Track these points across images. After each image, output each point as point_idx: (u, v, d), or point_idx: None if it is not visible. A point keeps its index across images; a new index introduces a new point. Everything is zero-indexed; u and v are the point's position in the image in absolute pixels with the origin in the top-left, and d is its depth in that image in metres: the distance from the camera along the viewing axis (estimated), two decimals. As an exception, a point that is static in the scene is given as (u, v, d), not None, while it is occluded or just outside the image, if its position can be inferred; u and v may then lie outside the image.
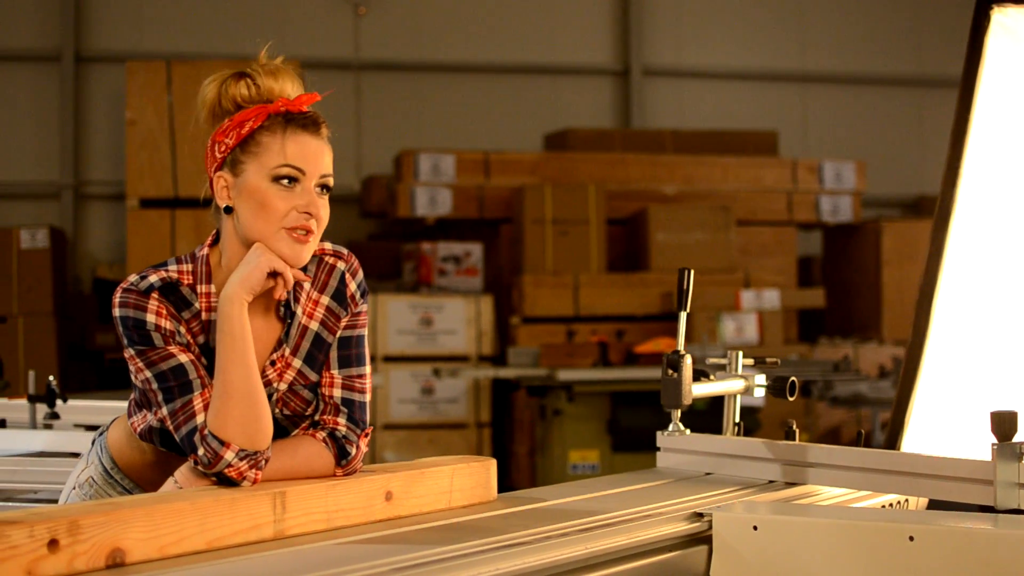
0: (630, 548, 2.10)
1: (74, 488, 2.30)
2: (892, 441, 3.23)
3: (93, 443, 2.35)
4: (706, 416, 7.12)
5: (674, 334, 8.30)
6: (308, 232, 2.12)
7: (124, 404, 4.58)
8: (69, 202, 10.35)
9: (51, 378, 4.40)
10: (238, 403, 2.04)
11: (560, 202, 8.83)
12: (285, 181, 2.11)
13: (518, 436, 8.40)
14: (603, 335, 7.82)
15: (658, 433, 2.86)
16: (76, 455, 3.91)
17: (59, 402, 4.38)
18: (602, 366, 7.34)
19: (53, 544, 1.69)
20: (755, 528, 2.19)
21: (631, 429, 6.97)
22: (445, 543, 1.92)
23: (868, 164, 10.28)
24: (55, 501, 3.62)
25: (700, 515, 2.23)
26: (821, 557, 2.14)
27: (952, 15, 11.88)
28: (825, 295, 9.36)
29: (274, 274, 2.11)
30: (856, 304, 9.91)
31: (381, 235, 10.35)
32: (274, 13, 10.74)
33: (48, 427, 4.25)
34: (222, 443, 2.03)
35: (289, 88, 2.20)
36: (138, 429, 2.21)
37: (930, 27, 11.89)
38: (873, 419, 7.68)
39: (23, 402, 4.39)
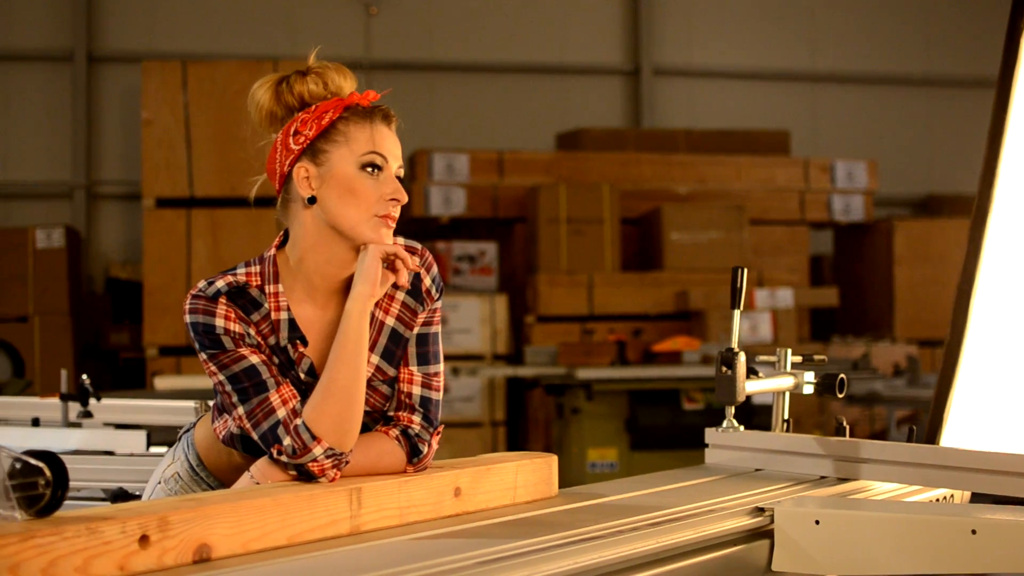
0: (696, 542, 2.13)
1: (159, 483, 2.33)
2: (932, 436, 3.26)
3: (179, 440, 2.38)
4: (705, 415, 7.17)
5: (689, 333, 8.24)
6: (393, 218, 2.16)
7: (158, 403, 4.61)
8: (81, 202, 10.37)
9: (84, 377, 4.42)
10: (338, 402, 2.07)
11: (574, 201, 8.86)
12: (370, 169, 2.15)
13: (533, 435, 8.42)
14: (621, 334, 7.85)
15: (707, 430, 2.89)
16: (110, 453, 3.94)
17: (92, 401, 4.40)
18: (620, 365, 7.37)
19: (144, 540, 1.71)
20: (817, 522, 2.22)
21: (649, 427, 6.99)
22: (519, 537, 1.95)
23: (878, 163, 10.31)
24: (100, 500, 3.65)
25: (761, 510, 2.26)
26: (884, 551, 2.17)
27: (961, 15, 11.92)
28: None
29: (390, 265, 2.15)
30: (868, 303, 9.94)
31: (395, 235, 10.36)
32: (285, 13, 10.76)
33: (76, 425, 4.26)
34: (314, 437, 2.05)
35: (348, 86, 2.24)
36: (221, 435, 2.24)
37: (939, 27, 11.92)
38: (889, 417, 7.71)
39: (55, 401, 4.41)
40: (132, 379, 9.07)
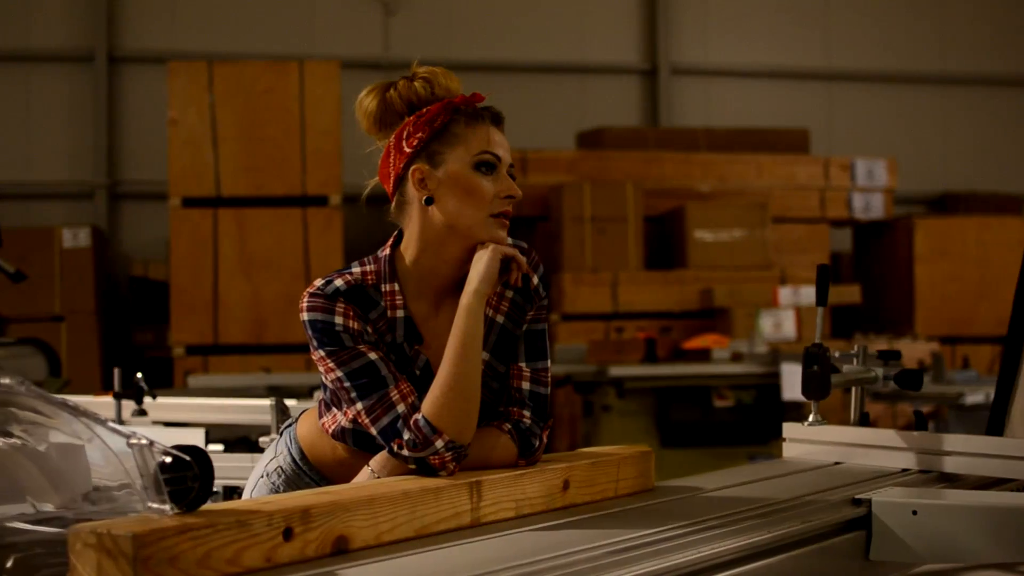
0: (801, 533, 2.17)
1: (262, 476, 2.37)
2: (998, 429, 3.30)
3: (281, 434, 2.41)
4: (742, 410, 7.22)
5: (714, 330, 8.23)
6: (508, 216, 2.21)
7: (213, 402, 4.64)
8: (103, 201, 10.40)
9: (139, 375, 4.46)
10: (458, 396, 2.11)
11: (598, 200, 8.90)
12: (484, 168, 2.19)
13: (559, 432, 8.46)
14: (650, 331, 7.89)
15: (785, 424, 2.92)
16: (168, 452, 3.95)
17: (147, 399, 4.43)
18: (650, 362, 7.42)
19: (288, 532, 1.75)
20: (914, 512, 2.26)
21: (680, 424, 7.04)
22: (634, 529, 1.99)
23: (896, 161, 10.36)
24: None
25: (859, 501, 2.30)
26: (982, 540, 2.21)
27: (976, 13, 11.96)
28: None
29: (505, 262, 2.19)
30: (887, 300, 9.99)
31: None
32: (304, 13, 10.79)
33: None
34: (435, 430, 2.10)
35: (457, 87, 2.29)
36: (330, 429, 2.27)
37: (954, 25, 11.97)
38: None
39: (108, 399, 4.44)
40: (159, 378, 9.10)
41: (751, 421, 7.12)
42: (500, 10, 11.08)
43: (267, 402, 3.45)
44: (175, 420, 4.47)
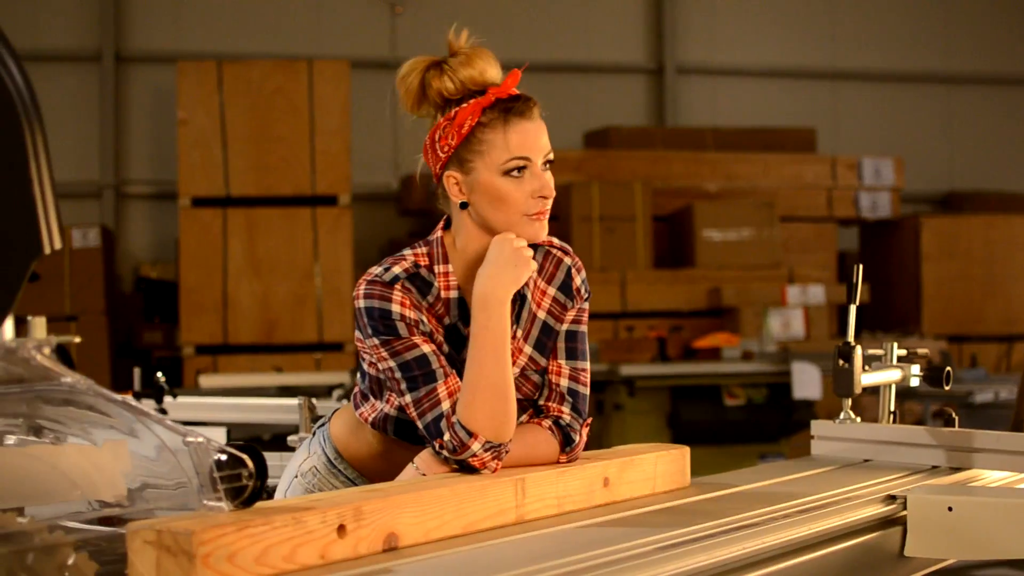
0: (838, 530, 2.19)
1: (296, 476, 2.38)
2: (1020, 427, 3.33)
3: (314, 434, 2.42)
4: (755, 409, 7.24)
5: (722, 329, 8.25)
6: (544, 213, 2.21)
7: (233, 401, 4.65)
8: (110, 201, 10.42)
9: (159, 375, 4.48)
10: (489, 397, 2.11)
11: (606, 199, 8.92)
12: (515, 172, 2.19)
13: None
14: (660, 330, 7.92)
15: (814, 422, 2.94)
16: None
17: (167, 399, 4.45)
18: (661, 361, 7.44)
19: (341, 529, 1.77)
20: (950, 509, 2.28)
21: (692, 423, 7.07)
22: (674, 526, 2.00)
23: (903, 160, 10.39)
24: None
25: (894, 497, 2.32)
26: (1018, 537, 2.23)
27: (980, 12, 11.99)
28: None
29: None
30: (894, 299, 10.02)
31: (422, 233, 10.42)
32: (311, 12, 10.81)
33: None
34: (470, 434, 2.10)
35: (490, 72, 2.25)
36: (369, 418, 2.28)
37: (959, 24, 11.99)
38: (925, 411, 7.78)
39: (128, 398, 4.44)
40: (167, 378, 9.10)
41: (762, 419, 7.14)
42: (507, 10, 11.10)
43: (294, 401, 3.46)
44: (195, 420, 4.49)
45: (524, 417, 2.28)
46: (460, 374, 2.16)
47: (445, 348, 2.22)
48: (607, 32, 11.42)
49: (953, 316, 9.59)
